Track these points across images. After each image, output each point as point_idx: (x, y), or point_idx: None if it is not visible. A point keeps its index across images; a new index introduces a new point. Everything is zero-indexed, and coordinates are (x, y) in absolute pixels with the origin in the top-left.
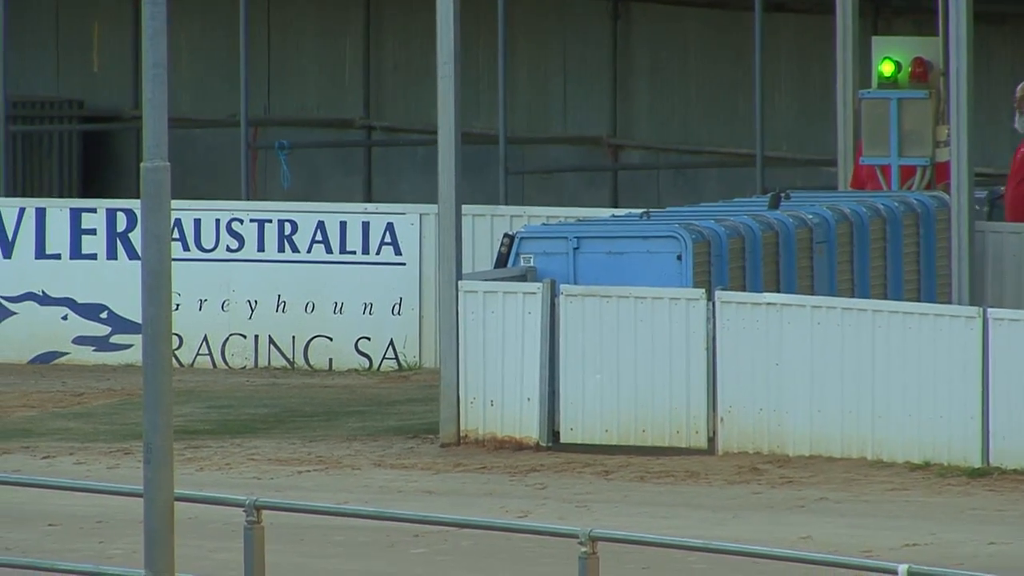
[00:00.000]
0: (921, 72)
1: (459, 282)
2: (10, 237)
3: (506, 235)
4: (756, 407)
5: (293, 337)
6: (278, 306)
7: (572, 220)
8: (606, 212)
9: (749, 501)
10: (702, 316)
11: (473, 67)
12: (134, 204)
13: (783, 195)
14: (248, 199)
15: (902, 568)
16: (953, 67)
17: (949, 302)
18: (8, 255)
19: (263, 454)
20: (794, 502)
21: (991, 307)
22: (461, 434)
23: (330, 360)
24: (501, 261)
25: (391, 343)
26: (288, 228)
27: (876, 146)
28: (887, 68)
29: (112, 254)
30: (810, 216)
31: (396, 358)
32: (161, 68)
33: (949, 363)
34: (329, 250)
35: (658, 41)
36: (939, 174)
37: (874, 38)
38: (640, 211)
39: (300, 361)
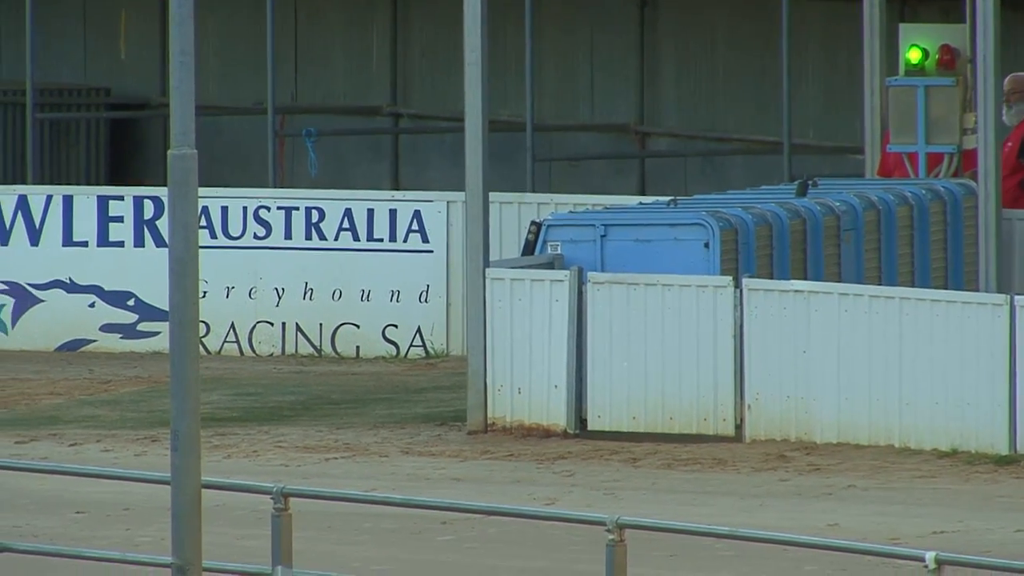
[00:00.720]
0: (948, 59)
1: (486, 270)
2: (37, 224)
3: (533, 223)
4: (783, 394)
5: (320, 324)
6: (305, 293)
7: (599, 208)
8: (633, 200)
9: (776, 488)
10: (729, 303)
11: (501, 54)
12: (161, 192)
13: (811, 183)
14: (275, 186)
15: (930, 555)
16: (980, 54)
17: (976, 290)
18: (35, 242)
19: (290, 441)
20: (821, 489)
21: (1018, 294)
22: (488, 421)
23: (357, 347)
24: (528, 248)
25: (418, 330)
26: (315, 215)
27: (903, 133)
28: (914, 55)
29: (139, 242)
30: (837, 204)
31: (423, 345)
32: (188, 55)
33: (976, 350)
34: (356, 238)
35: (685, 28)
36: (966, 161)
37: (901, 25)
38: (667, 199)
39: (327, 348)
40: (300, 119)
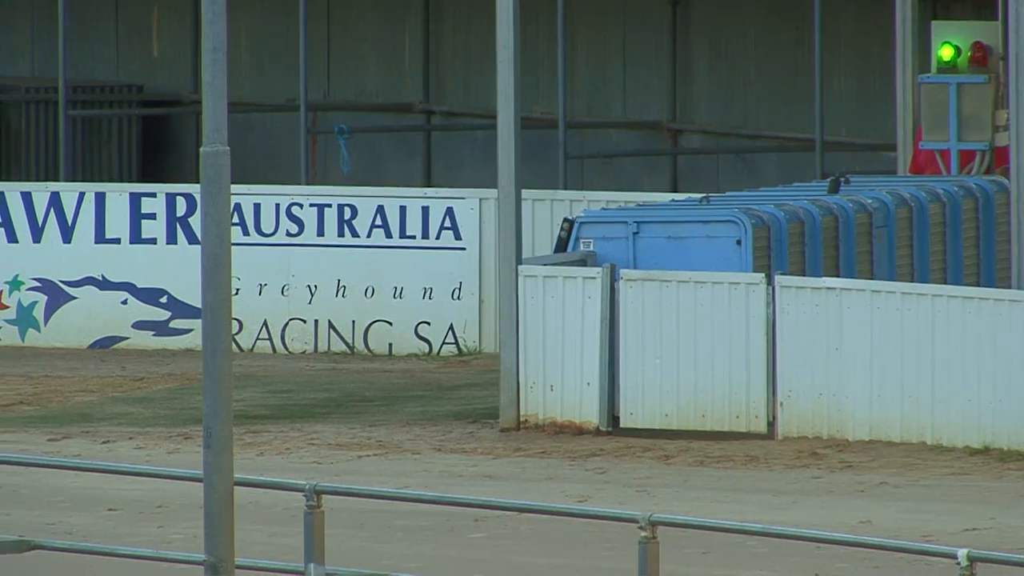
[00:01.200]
0: (980, 56)
1: (519, 267)
2: (70, 222)
3: (566, 220)
4: (816, 392)
5: (353, 322)
6: (338, 291)
7: (632, 205)
8: (666, 197)
9: (809, 485)
10: (762, 301)
11: (533, 52)
12: (194, 188)
13: (843, 179)
14: (308, 183)
15: (962, 552)
16: (1012, 51)
17: (1009, 286)
18: (68, 239)
19: (323, 439)
20: (854, 487)
21: None
22: (521, 419)
23: (390, 345)
24: (561, 246)
25: (451, 328)
26: (348, 213)
27: (935, 131)
28: (946, 53)
29: (172, 239)
30: (869, 201)
31: (456, 343)
32: (220, 52)
33: (1008, 347)
34: (389, 235)
35: (717, 25)
36: (998, 158)
37: (933, 23)
38: (700, 196)
39: (360, 346)
40: (333, 116)
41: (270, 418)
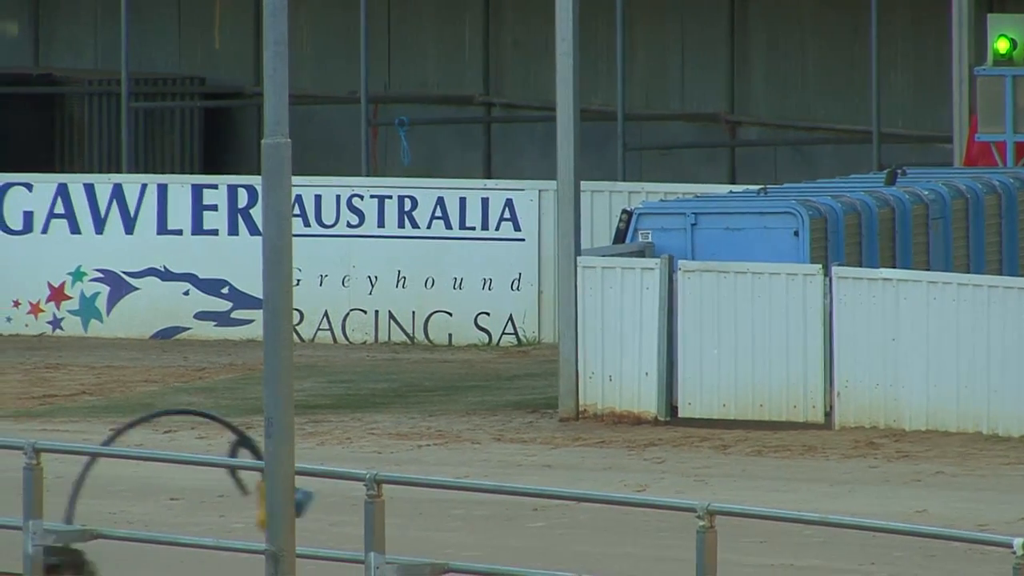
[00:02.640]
0: None
1: (578, 258)
2: (132, 213)
3: (624, 211)
4: (872, 382)
5: (413, 312)
6: (398, 282)
7: (690, 196)
8: (723, 188)
9: (865, 475)
10: (819, 292)
11: (592, 44)
12: (255, 180)
13: (899, 171)
14: (368, 175)
15: (1017, 542)
16: None
17: None
18: (130, 231)
19: (383, 428)
20: (910, 476)
21: None
22: (580, 408)
23: (450, 335)
24: (619, 237)
25: (510, 318)
26: (408, 204)
27: (991, 123)
28: (1002, 45)
29: (233, 230)
30: (926, 192)
31: (515, 333)
32: (282, 45)
33: None
34: (449, 226)
35: (775, 18)
36: None
37: (989, 16)
38: (757, 187)
39: (420, 336)
40: (393, 108)
41: (331, 408)
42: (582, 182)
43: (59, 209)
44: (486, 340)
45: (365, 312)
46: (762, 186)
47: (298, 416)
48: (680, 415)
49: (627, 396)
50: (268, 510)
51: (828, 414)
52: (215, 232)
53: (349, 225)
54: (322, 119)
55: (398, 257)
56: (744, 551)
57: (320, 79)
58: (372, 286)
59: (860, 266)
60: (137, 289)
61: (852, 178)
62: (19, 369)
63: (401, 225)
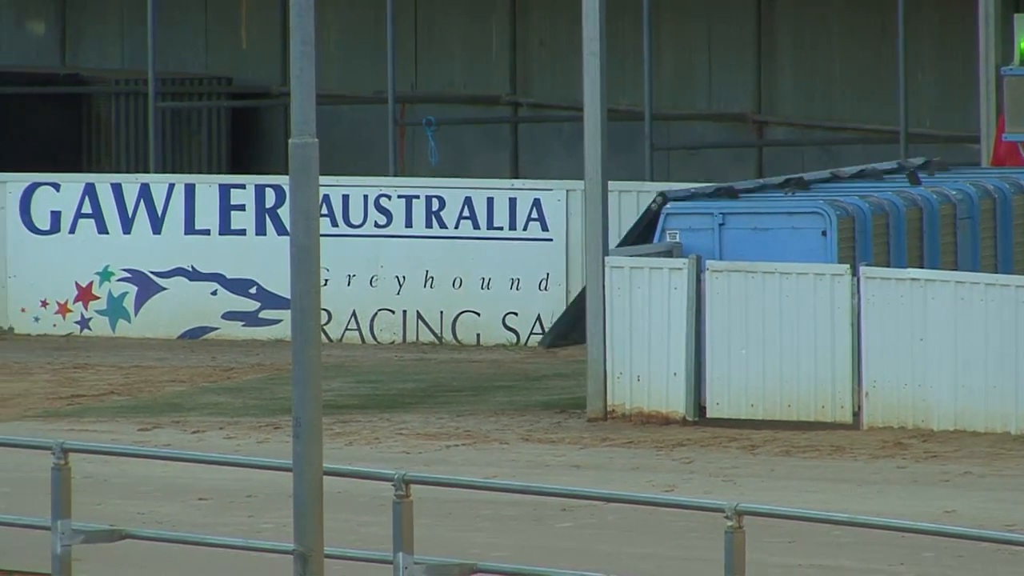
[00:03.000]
0: None
1: (606, 258)
2: (160, 213)
3: (660, 193)
4: (900, 382)
5: (441, 312)
6: (426, 282)
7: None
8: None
9: (894, 475)
10: (847, 292)
11: (619, 44)
12: (282, 180)
13: (936, 165)
14: (396, 175)
15: None
16: None
17: None
18: (158, 231)
19: (411, 428)
20: (938, 476)
21: None
22: (608, 409)
23: (478, 335)
24: (646, 217)
25: (538, 318)
26: (436, 204)
27: (1018, 123)
28: None
29: (261, 230)
30: (953, 192)
31: (543, 333)
32: (309, 45)
33: None
34: (476, 226)
35: (802, 18)
36: None
37: (1016, 15)
38: (781, 178)
39: (448, 336)
40: (420, 108)
41: (359, 408)
42: (609, 182)
43: (87, 209)
44: (514, 340)
45: (393, 312)
46: (787, 177)
47: (326, 416)
48: (708, 415)
49: (655, 396)
50: (297, 510)
51: (856, 414)
52: (243, 232)
53: (377, 225)
54: (350, 119)
55: (426, 257)
56: (772, 551)
57: (347, 79)
58: (400, 286)
59: (888, 266)
60: (165, 289)
61: (869, 169)
62: (47, 369)
63: (429, 225)
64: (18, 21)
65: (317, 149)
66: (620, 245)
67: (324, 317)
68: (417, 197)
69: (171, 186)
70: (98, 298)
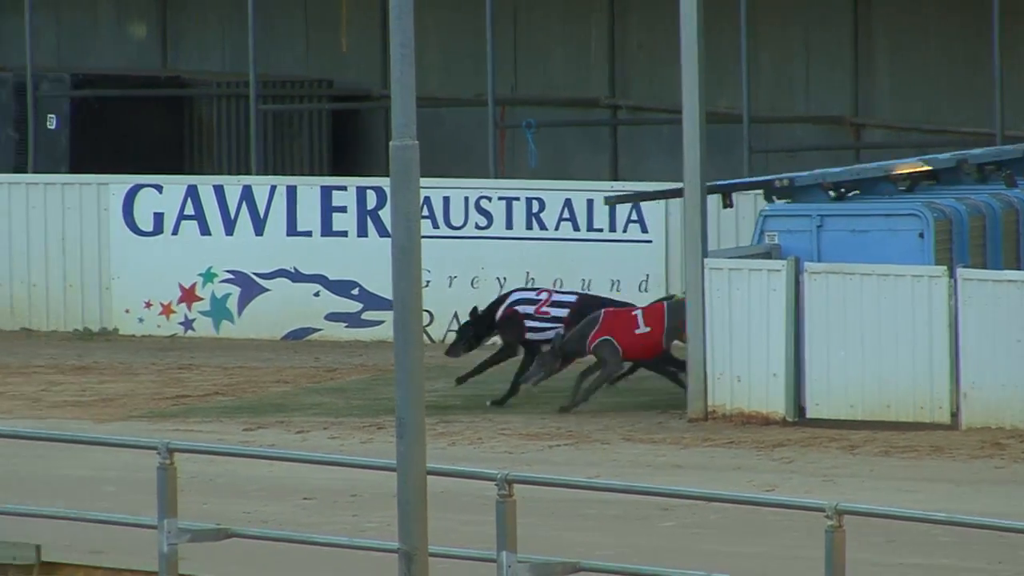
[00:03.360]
0: None
1: (705, 260)
2: (262, 215)
3: (784, 177)
4: (999, 382)
5: None
6: (527, 282)
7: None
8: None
9: (992, 475)
10: (944, 293)
11: (716, 47)
12: (383, 182)
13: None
14: (496, 177)
15: None
16: None
17: None
18: (260, 232)
19: (514, 429)
20: None
21: None
22: (708, 409)
23: None
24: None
25: None
26: (536, 206)
27: None
28: None
29: (363, 231)
30: None
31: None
32: (408, 48)
33: None
34: (576, 228)
35: (899, 20)
36: None
37: None
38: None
39: None
40: (520, 111)
41: (462, 408)
42: (708, 184)
43: (189, 210)
44: None
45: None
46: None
47: (429, 416)
48: (808, 416)
49: (755, 397)
50: (401, 509)
51: (955, 415)
52: (344, 234)
53: (477, 227)
54: (450, 122)
55: (526, 258)
56: (872, 550)
57: (447, 82)
58: (501, 287)
59: (984, 268)
60: (268, 290)
61: (955, 156)
62: (152, 370)
63: (529, 227)
64: (119, 24)
65: (417, 151)
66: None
67: (426, 318)
68: (517, 199)
69: (273, 188)
70: (201, 299)
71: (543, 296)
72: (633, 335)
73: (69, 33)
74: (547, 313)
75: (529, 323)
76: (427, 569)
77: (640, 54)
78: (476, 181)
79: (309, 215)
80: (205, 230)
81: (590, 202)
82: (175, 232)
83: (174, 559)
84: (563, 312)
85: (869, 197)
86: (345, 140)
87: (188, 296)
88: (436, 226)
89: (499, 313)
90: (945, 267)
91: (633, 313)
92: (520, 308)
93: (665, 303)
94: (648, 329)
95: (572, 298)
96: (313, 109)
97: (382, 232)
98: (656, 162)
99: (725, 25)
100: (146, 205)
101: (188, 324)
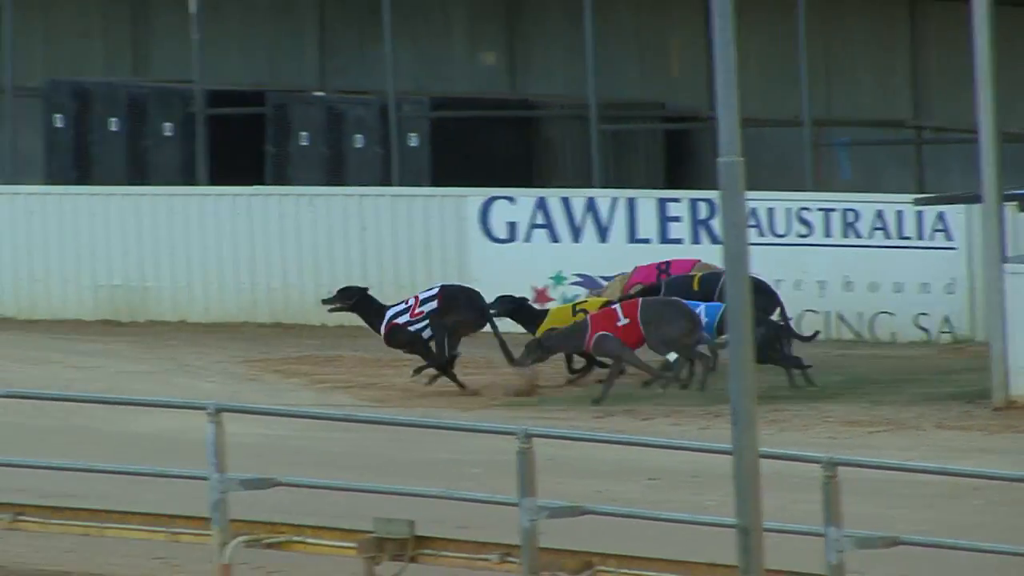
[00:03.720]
0: None
1: (1004, 265)
2: (604, 224)
3: None
4: None
5: (859, 313)
6: (845, 285)
7: None
8: None
9: None
10: None
11: (1009, 72)
12: (713, 195)
13: None
14: (813, 190)
15: None
16: None
17: None
18: (604, 239)
19: (836, 417)
20: None
21: None
22: (1010, 399)
23: (892, 333)
24: None
25: (946, 319)
26: (851, 216)
27: None
28: None
29: (696, 239)
30: None
31: (950, 332)
32: (731, 74)
33: None
34: (888, 236)
35: None
36: None
37: None
38: None
39: (866, 334)
40: (833, 130)
41: (789, 399)
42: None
43: (539, 220)
44: (925, 338)
45: (816, 312)
46: None
47: (760, 406)
48: None
49: None
50: (737, 489)
51: None
52: (679, 241)
53: (799, 235)
54: (770, 140)
55: (843, 263)
56: None
57: (767, 104)
58: (821, 289)
59: None
60: None
61: None
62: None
63: (846, 235)
64: (471, 52)
65: (743, 167)
66: None
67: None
68: (834, 210)
69: (614, 200)
70: (553, 300)
71: (411, 302)
72: (616, 327)
73: (426, 60)
74: (421, 312)
75: (412, 327)
76: (762, 542)
77: (940, 78)
78: (796, 194)
79: (647, 224)
80: (554, 237)
81: (899, 213)
82: (527, 239)
83: (534, 534)
84: (432, 305)
85: None
86: (678, 157)
87: (541, 297)
88: (762, 234)
89: (382, 331)
90: None
91: (612, 307)
92: (399, 320)
93: (640, 298)
94: (627, 321)
95: (434, 291)
96: (648, 129)
97: (714, 240)
98: (957, 178)
99: (1018, 51)
100: (500, 215)
101: None
